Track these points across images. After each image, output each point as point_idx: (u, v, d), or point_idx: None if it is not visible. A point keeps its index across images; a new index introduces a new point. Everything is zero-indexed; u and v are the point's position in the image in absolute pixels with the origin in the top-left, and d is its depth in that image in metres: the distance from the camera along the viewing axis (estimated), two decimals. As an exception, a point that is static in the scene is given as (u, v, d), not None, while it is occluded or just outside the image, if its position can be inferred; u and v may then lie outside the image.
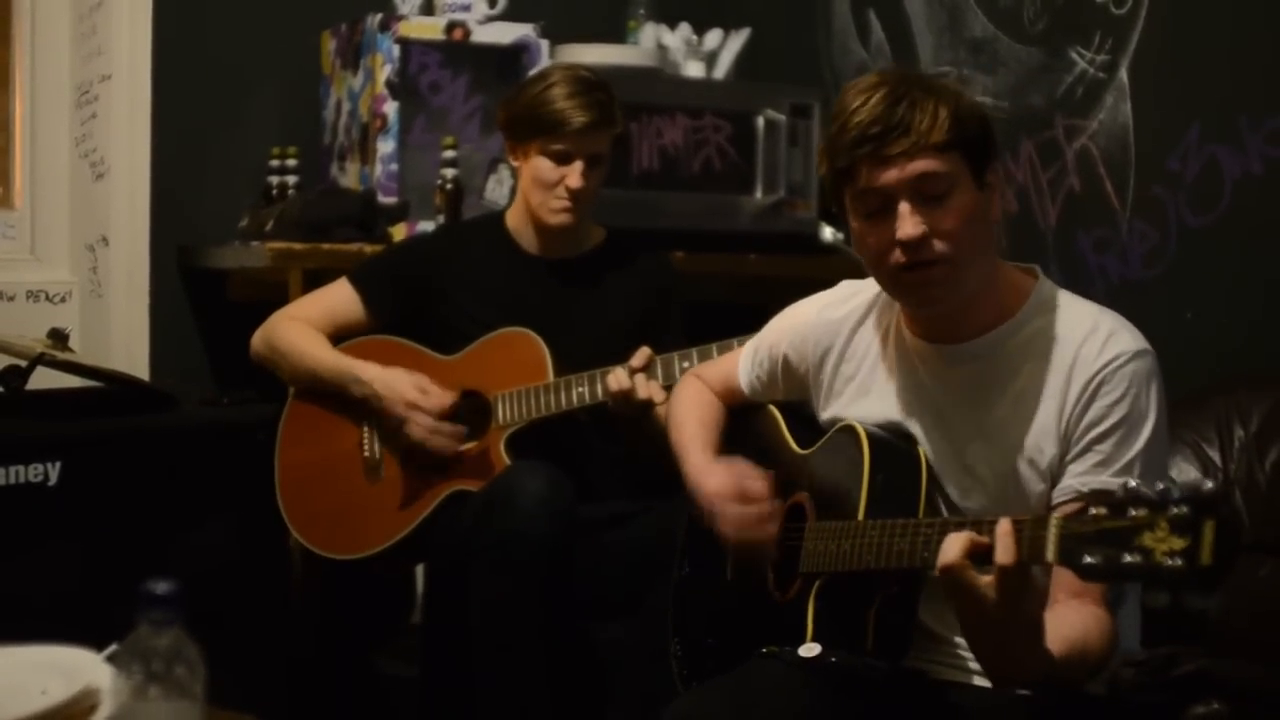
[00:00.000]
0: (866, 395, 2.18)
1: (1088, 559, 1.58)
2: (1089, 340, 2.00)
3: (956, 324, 2.06)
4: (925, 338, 2.11)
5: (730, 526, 2.21)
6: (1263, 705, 2.24)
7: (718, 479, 2.24)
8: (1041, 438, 2.00)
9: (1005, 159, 3.46)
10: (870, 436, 2.08)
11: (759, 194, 3.79)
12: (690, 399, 2.49)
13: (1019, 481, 2.01)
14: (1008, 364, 2.04)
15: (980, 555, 1.74)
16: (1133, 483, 1.57)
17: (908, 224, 1.95)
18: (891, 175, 1.95)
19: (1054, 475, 2.00)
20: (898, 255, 1.97)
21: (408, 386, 2.97)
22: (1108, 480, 1.94)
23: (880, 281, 2.08)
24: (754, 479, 2.20)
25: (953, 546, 1.75)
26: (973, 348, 2.06)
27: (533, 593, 2.74)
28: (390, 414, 2.98)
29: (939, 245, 1.96)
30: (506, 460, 2.94)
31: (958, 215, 1.96)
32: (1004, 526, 1.71)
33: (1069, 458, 1.98)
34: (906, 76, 2.02)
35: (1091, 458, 1.96)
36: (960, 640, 2.07)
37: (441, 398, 2.96)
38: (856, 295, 2.25)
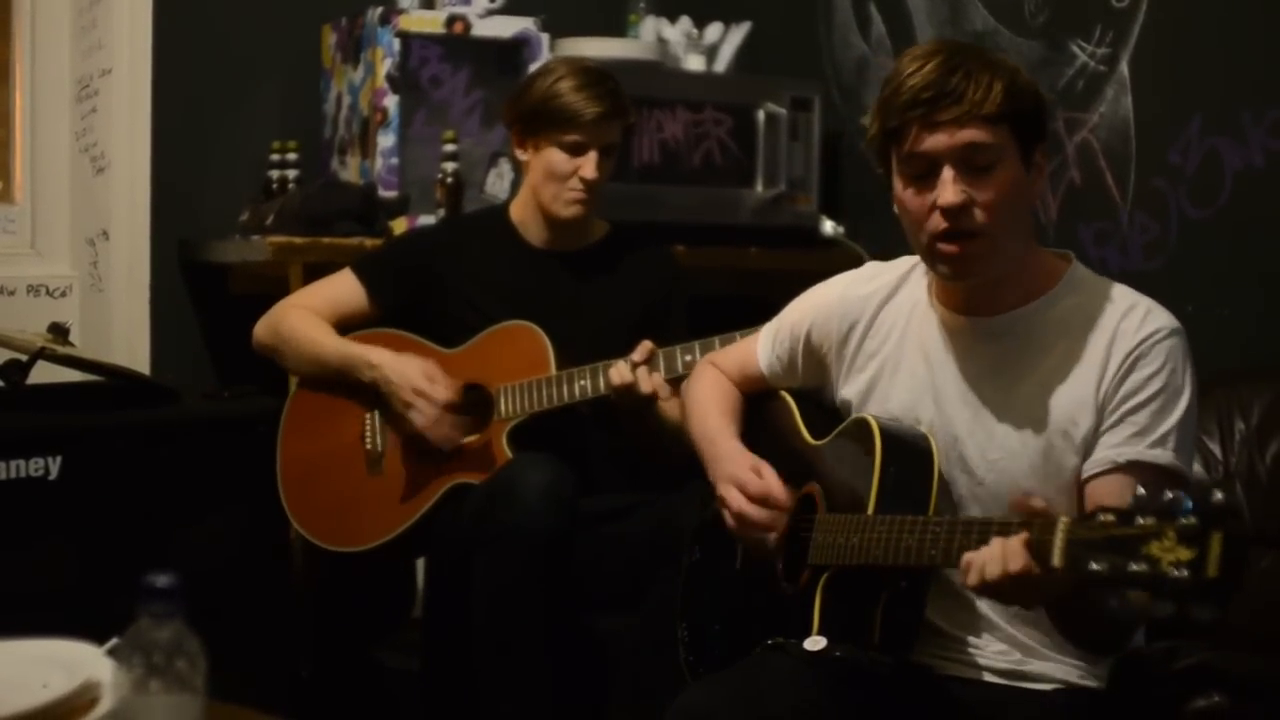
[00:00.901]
0: (895, 371, 2.17)
1: (1094, 565, 1.58)
2: (1129, 315, 2.02)
3: (990, 298, 2.07)
4: (958, 310, 2.11)
5: (733, 518, 2.21)
6: (1264, 698, 2.23)
7: (735, 466, 2.24)
8: (1077, 410, 2.00)
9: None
10: (883, 430, 2.08)
11: (760, 187, 3.79)
12: (710, 387, 2.47)
13: (1052, 454, 2.02)
14: (1042, 338, 2.05)
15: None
16: (1142, 490, 1.57)
17: (949, 191, 1.96)
18: (940, 141, 1.96)
19: (1088, 447, 2.00)
20: (937, 221, 1.98)
21: (417, 374, 2.97)
22: (1144, 452, 1.96)
23: (917, 248, 2.08)
24: (775, 483, 2.19)
25: (1012, 558, 1.73)
26: (1006, 321, 2.07)
27: (534, 586, 2.74)
28: (396, 400, 2.98)
29: (979, 216, 1.97)
30: (508, 453, 2.93)
31: (1000, 188, 1.97)
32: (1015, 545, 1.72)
33: (1103, 428, 1.99)
34: (965, 47, 2.03)
35: (1127, 428, 1.97)
36: (968, 637, 2.07)
37: (448, 389, 2.97)
38: (882, 274, 2.25)
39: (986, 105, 1.95)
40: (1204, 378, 2.80)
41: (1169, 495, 1.55)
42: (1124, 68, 3.27)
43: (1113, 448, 1.98)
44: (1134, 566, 1.54)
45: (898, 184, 2.04)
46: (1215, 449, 2.72)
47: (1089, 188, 3.35)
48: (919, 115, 1.96)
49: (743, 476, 2.21)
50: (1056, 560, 1.64)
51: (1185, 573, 1.50)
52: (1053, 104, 3.41)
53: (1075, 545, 1.62)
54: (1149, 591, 1.54)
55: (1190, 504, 1.52)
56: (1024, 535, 1.70)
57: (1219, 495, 1.52)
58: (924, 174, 1.99)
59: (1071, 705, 2.03)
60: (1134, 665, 2.11)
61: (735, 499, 2.20)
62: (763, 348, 2.41)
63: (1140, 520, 1.55)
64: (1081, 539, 1.61)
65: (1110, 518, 1.58)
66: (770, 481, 2.19)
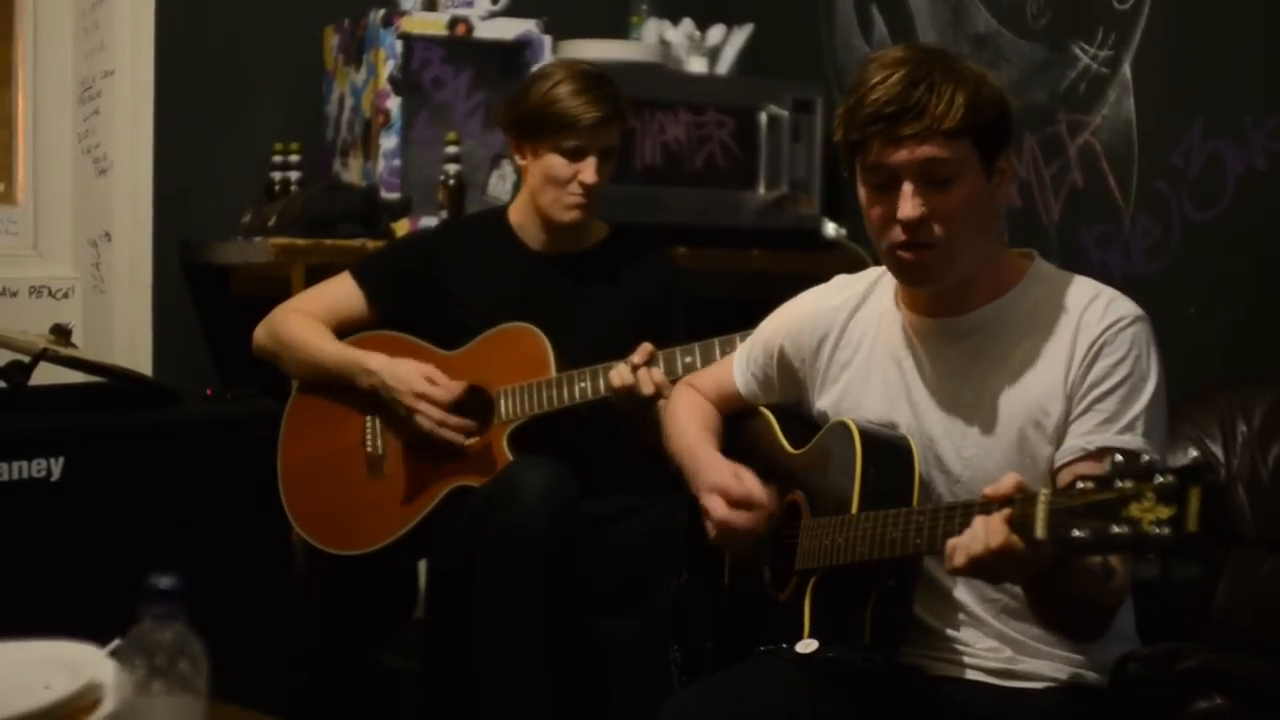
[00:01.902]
0: (868, 379, 2.19)
1: (1077, 532, 1.61)
2: (1092, 305, 2.04)
3: (955, 299, 2.09)
4: (924, 313, 2.13)
5: (717, 526, 2.22)
6: (1266, 700, 2.23)
7: (716, 474, 2.24)
8: (1047, 400, 2.02)
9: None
10: (862, 431, 2.09)
11: (762, 189, 3.79)
12: (687, 408, 2.49)
13: (1025, 445, 2.04)
14: (1009, 334, 2.07)
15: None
16: (1119, 457, 1.60)
17: (908, 205, 1.98)
18: (901, 156, 1.98)
19: (1059, 437, 2.02)
20: (897, 231, 2.01)
21: (416, 376, 2.97)
22: (1113, 438, 1.97)
23: (879, 253, 2.11)
24: (755, 485, 2.20)
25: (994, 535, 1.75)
26: (972, 320, 2.09)
27: (535, 588, 2.75)
28: (398, 405, 2.98)
29: (937, 229, 1.99)
30: (509, 456, 2.93)
31: (960, 201, 1.99)
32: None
33: (1073, 417, 2.01)
34: (931, 55, 2.04)
35: (1095, 416, 1.99)
36: (957, 635, 2.08)
37: (450, 387, 2.97)
38: (851, 285, 2.28)
39: (947, 121, 1.96)
40: (1206, 379, 2.82)
41: (1146, 459, 1.58)
42: (1126, 70, 3.27)
43: (1082, 435, 1.99)
44: (1115, 529, 1.56)
45: (861, 191, 2.07)
46: (1217, 451, 2.72)
47: (1091, 190, 3.35)
48: (880, 130, 1.98)
49: (724, 482, 2.22)
50: (1039, 531, 1.66)
51: (1166, 530, 1.53)
52: (1055, 106, 3.41)
53: (1057, 515, 1.64)
54: (1132, 553, 1.56)
55: (1165, 464, 1.56)
56: (1006, 512, 1.72)
57: (1194, 453, 1.55)
58: (885, 184, 2.01)
59: (1066, 704, 2.03)
60: (1135, 666, 2.11)
61: (717, 506, 2.21)
62: (738, 368, 2.43)
63: (1119, 484, 1.57)
64: (1063, 508, 1.64)
65: (1089, 485, 1.61)
66: (750, 485, 2.20)
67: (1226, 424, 2.75)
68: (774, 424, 2.35)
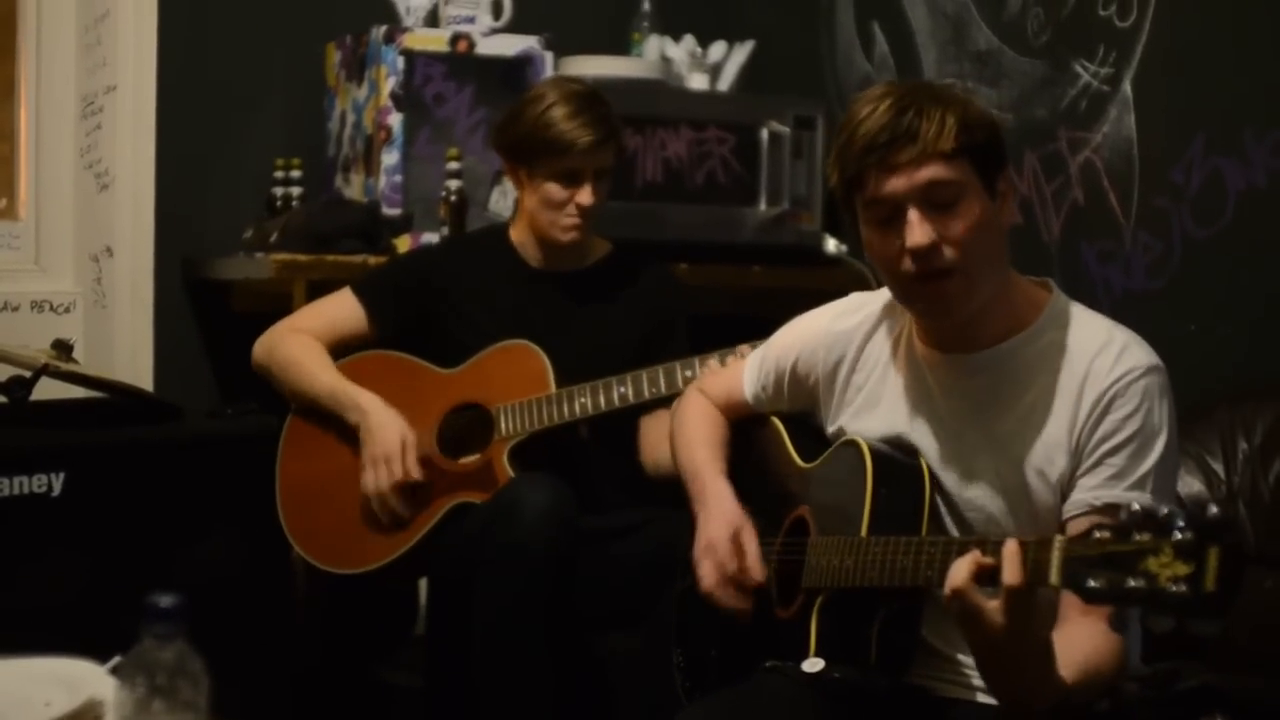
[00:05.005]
0: (876, 406, 2.17)
1: (1092, 582, 1.58)
2: (1102, 354, 2.00)
3: (969, 334, 2.06)
4: (937, 347, 2.11)
5: (704, 593, 2.22)
6: None
7: (717, 530, 2.24)
8: (1053, 450, 2.00)
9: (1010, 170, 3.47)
10: (874, 452, 2.08)
11: (763, 206, 3.79)
12: (697, 417, 2.48)
13: (1028, 492, 2.01)
14: (1020, 376, 2.04)
15: (986, 576, 1.74)
16: (1137, 505, 1.57)
17: (916, 232, 1.95)
18: (900, 183, 1.96)
19: (1064, 488, 1.99)
20: (909, 264, 1.98)
21: (394, 438, 2.94)
22: (1121, 494, 1.94)
23: (893, 290, 2.08)
24: (753, 560, 2.20)
25: (960, 569, 1.74)
26: (985, 358, 2.06)
27: (536, 604, 2.74)
28: (364, 450, 2.97)
29: (949, 253, 1.96)
30: (510, 472, 2.93)
31: (967, 222, 1.96)
32: (1011, 547, 1.71)
33: (1080, 471, 1.98)
34: (914, 86, 2.03)
35: (1104, 471, 1.96)
36: (963, 657, 2.07)
37: (411, 469, 2.93)
38: (866, 306, 2.25)
39: (941, 141, 1.94)
40: (1207, 397, 2.82)
41: (1164, 511, 1.54)
42: (1127, 87, 3.27)
43: (1090, 490, 1.97)
44: (1132, 583, 1.54)
45: (865, 230, 2.03)
46: (1218, 468, 2.72)
47: (1092, 207, 3.35)
48: (876, 160, 1.96)
49: (721, 553, 2.21)
50: (1054, 577, 1.64)
51: (1184, 588, 1.50)
52: (1055, 123, 3.42)
53: (1073, 562, 1.62)
54: (1148, 608, 1.54)
55: (1185, 519, 1.52)
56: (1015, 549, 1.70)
57: (1214, 510, 1.53)
58: (889, 217, 1.98)
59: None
60: (1136, 686, 2.11)
61: (708, 578, 2.21)
62: (749, 378, 2.42)
63: (1137, 536, 1.55)
64: (1079, 556, 1.61)
65: (1106, 534, 1.58)
66: (748, 560, 2.19)
67: (1227, 441, 2.75)
68: (784, 434, 2.33)
